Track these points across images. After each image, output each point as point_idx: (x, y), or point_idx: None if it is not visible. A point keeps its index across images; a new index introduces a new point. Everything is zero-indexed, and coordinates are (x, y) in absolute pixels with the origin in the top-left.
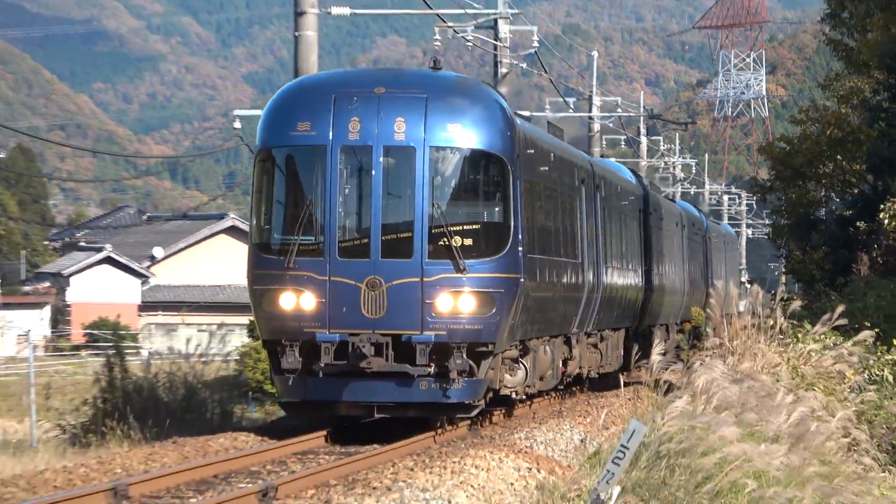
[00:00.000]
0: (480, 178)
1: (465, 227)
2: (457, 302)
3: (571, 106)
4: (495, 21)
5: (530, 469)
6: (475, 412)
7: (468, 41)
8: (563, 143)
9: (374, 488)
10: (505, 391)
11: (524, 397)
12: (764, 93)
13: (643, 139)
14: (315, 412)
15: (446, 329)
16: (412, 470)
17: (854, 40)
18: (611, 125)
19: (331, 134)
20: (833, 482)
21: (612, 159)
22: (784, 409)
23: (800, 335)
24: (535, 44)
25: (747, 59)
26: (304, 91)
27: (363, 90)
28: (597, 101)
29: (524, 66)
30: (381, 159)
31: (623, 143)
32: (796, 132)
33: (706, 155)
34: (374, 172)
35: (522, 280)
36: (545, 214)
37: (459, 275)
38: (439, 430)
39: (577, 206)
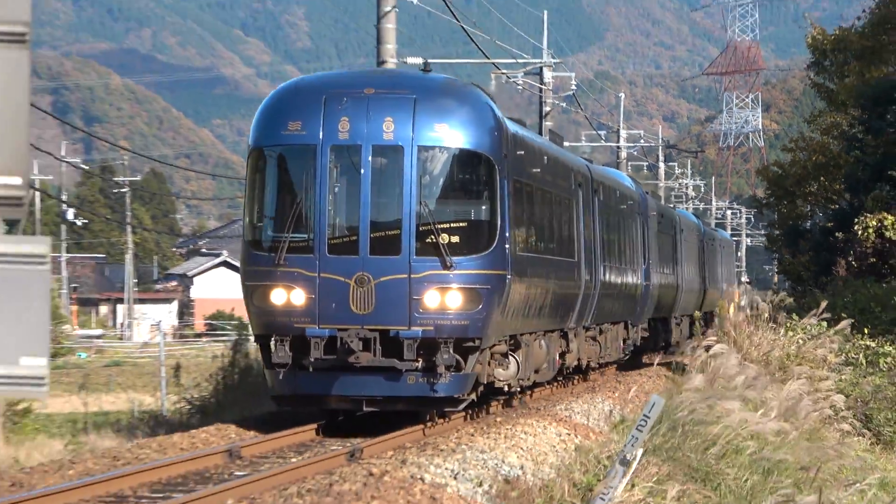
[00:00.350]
0: (467, 176)
1: (452, 224)
2: (444, 298)
3: (603, 137)
4: (541, 69)
5: (569, 434)
6: (462, 406)
7: (518, 85)
8: (561, 148)
9: (441, 450)
10: (498, 384)
11: (518, 389)
12: (760, 127)
13: (661, 165)
14: (305, 406)
15: (433, 325)
16: (472, 435)
17: (834, 84)
18: (635, 153)
19: (321, 133)
20: (817, 444)
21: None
22: (776, 387)
23: (789, 325)
24: (573, 87)
25: (746, 100)
26: (295, 92)
27: (353, 91)
28: (623, 133)
29: (564, 105)
30: (369, 158)
31: (645, 168)
32: (787, 158)
33: (713, 178)
34: (362, 171)
35: (509, 277)
36: (537, 214)
37: (447, 272)
38: (429, 424)
39: (573, 207)
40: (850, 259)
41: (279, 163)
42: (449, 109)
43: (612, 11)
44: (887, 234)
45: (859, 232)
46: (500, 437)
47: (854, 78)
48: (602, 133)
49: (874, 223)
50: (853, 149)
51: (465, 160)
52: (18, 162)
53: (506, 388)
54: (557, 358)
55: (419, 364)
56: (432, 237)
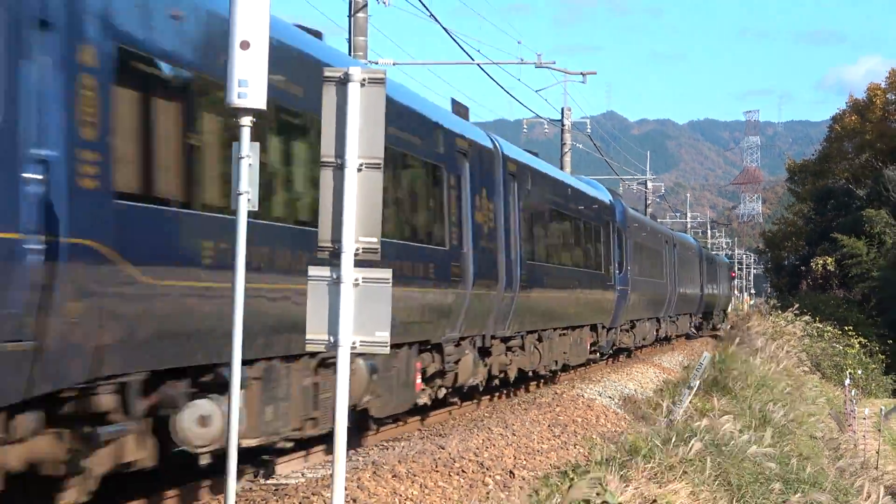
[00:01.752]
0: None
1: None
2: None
3: (677, 217)
4: (646, 182)
5: (659, 373)
6: (606, 357)
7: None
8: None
9: (592, 381)
10: (623, 346)
11: (633, 348)
12: (760, 211)
13: (709, 231)
14: None
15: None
16: (609, 373)
17: (800, 189)
18: (695, 226)
19: None
20: (792, 379)
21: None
22: (768, 348)
23: (775, 315)
24: (662, 191)
25: (753, 197)
26: None
27: None
28: (689, 215)
29: (658, 200)
30: None
31: (700, 232)
32: (774, 228)
33: (735, 238)
34: None
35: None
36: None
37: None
38: (590, 365)
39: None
40: (808, 281)
41: None
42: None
43: (682, 151)
44: (828, 268)
45: (813, 266)
46: (623, 374)
47: (810, 186)
48: (677, 214)
49: (821, 262)
50: (809, 223)
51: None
52: (375, 229)
53: (631, 348)
54: (655, 332)
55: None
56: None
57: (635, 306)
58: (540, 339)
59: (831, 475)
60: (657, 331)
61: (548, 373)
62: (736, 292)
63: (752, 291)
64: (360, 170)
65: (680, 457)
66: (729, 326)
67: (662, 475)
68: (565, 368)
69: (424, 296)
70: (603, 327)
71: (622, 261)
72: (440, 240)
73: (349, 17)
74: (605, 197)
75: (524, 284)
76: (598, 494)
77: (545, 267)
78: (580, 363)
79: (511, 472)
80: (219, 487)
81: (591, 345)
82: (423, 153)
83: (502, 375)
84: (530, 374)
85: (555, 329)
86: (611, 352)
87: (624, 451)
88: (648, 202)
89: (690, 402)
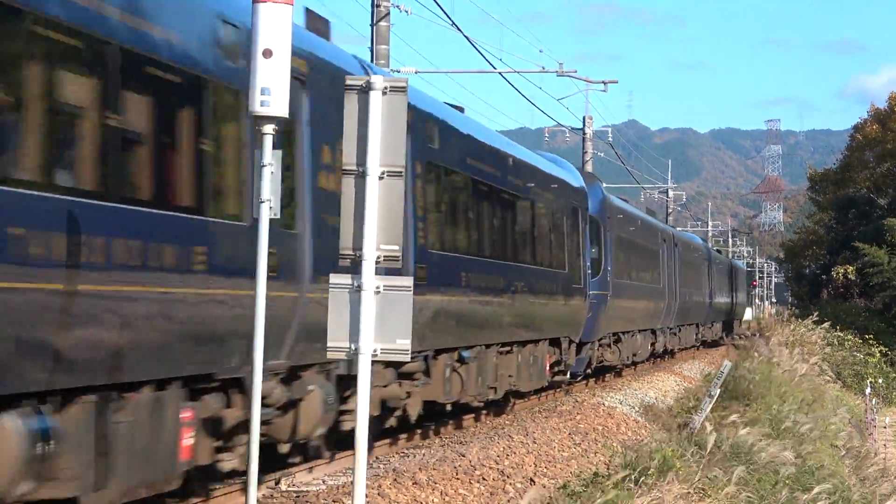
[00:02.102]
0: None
1: None
2: None
3: (698, 225)
4: (667, 190)
5: (680, 382)
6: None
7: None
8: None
9: (613, 388)
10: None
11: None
12: (781, 220)
13: (730, 239)
14: None
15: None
16: (630, 380)
17: (821, 198)
18: (716, 234)
19: None
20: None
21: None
22: (789, 357)
23: (797, 324)
24: (684, 200)
25: (775, 206)
26: None
27: None
28: (710, 223)
29: (679, 209)
30: None
31: (721, 241)
32: (795, 237)
33: (756, 246)
34: None
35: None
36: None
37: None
38: (613, 374)
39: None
40: (829, 290)
41: None
42: None
43: (704, 160)
44: (849, 276)
45: (834, 275)
46: (644, 382)
47: (831, 195)
48: (699, 223)
49: (842, 271)
50: (830, 231)
51: None
52: (396, 237)
53: (617, 365)
54: (650, 346)
55: None
56: None
57: (619, 315)
58: (461, 361)
59: (852, 483)
60: (653, 345)
61: (480, 403)
62: (757, 301)
63: (774, 300)
64: (381, 178)
65: (716, 478)
66: (749, 335)
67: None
68: (517, 395)
69: None
70: (571, 342)
71: (600, 259)
72: None
73: (371, 25)
74: (574, 179)
75: (423, 283)
76: None
77: (463, 260)
78: (536, 388)
79: (532, 479)
80: (240, 495)
81: (553, 364)
82: None
83: (399, 414)
84: (448, 407)
85: (487, 346)
86: (586, 371)
87: (649, 461)
88: (670, 210)
89: (711, 410)
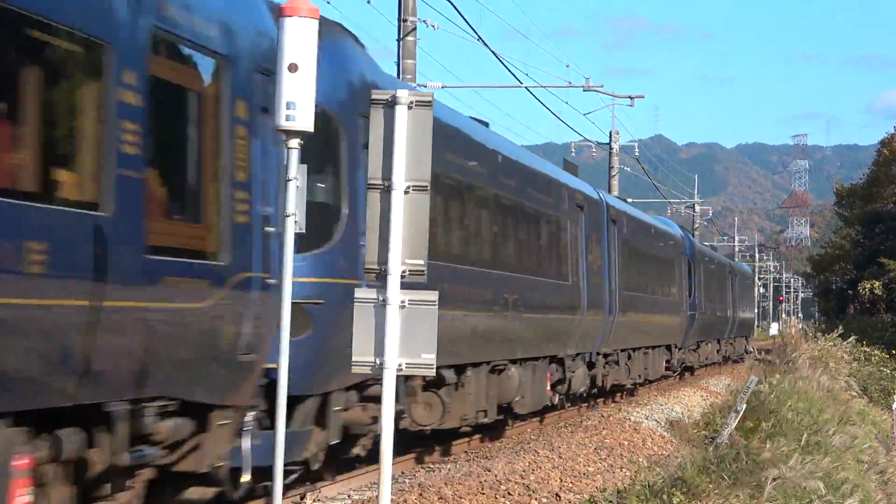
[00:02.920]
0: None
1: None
2: None
3: (725, 240)
4: (693, 205)
5: (706, 396)
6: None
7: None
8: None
9: (639, 403)
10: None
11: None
12: (808, 235)
13: (756, 254)
14: None
15: None
16: (656, 396)
17: (848, 212)
18: (743, 249)
19: None
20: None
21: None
22: (817, 371)
23: (823, 339)
24: (710, 214)
25: (801, 220)
26: None
27: None
28: (736, 238)
29: (706, 224)
30: None
31: (748, 256)
32: (822, 252)
33: (783, 261)
34: None
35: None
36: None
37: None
38: (640, 389)
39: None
40: (856, 305)
41: None
42: None
43: (730, 175)
44: (875, 292)
45: (861, 291)
46: (670, 397)
47: (858, 210)
48: (725, 238)
49: (868, 286)
50: (857, 246)
51: None
52: (422, 251)
53: (695, 366)
54: (717, 352)
55: None
56: None
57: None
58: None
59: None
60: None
61: (631, 385)
62: (784, 316)
63: (800, 315)
64: (406, 192)
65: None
66: (775, 349)
67: None
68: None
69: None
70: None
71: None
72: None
73: (398, 40)
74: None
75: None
76: None
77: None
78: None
79: (557, 494)
80: None
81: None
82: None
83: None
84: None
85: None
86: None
87: (679, 479)
88: (696, 225)
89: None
